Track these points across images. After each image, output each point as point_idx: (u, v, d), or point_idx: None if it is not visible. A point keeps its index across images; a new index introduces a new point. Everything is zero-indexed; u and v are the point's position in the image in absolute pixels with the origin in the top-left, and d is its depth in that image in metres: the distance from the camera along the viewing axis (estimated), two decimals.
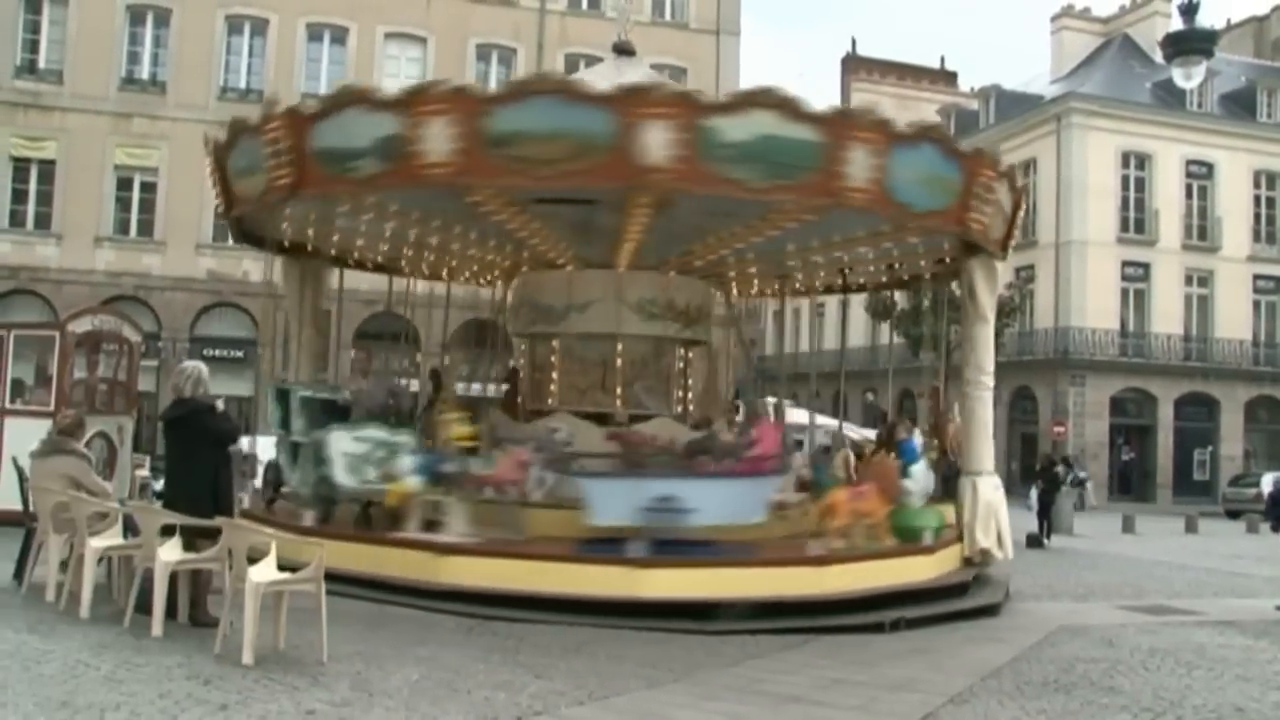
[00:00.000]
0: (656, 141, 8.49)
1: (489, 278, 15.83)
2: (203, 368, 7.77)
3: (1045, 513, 19.49)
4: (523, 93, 8.85)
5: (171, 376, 8.25)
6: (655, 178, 8.70)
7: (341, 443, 10.46)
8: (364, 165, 9.08)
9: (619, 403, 12.51)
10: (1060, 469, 21.95)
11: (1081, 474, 31.24)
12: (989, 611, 10.06)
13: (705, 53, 30.28)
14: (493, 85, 9.14)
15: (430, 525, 9.83)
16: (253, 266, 23.47)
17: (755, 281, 15.65)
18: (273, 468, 11.96)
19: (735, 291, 16.34)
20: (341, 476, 10.36)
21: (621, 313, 12.24)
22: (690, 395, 14.10)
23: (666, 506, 9.08)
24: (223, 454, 7.74)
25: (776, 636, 8.23)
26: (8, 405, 13.11)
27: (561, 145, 8.57)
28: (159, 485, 15.76)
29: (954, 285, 18.07)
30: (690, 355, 14.17)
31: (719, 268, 13.96)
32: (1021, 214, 11.46)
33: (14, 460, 9.83)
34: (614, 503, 9.17)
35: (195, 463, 7.54)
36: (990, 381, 11.45)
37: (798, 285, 15.83)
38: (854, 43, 55.93)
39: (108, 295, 24.78)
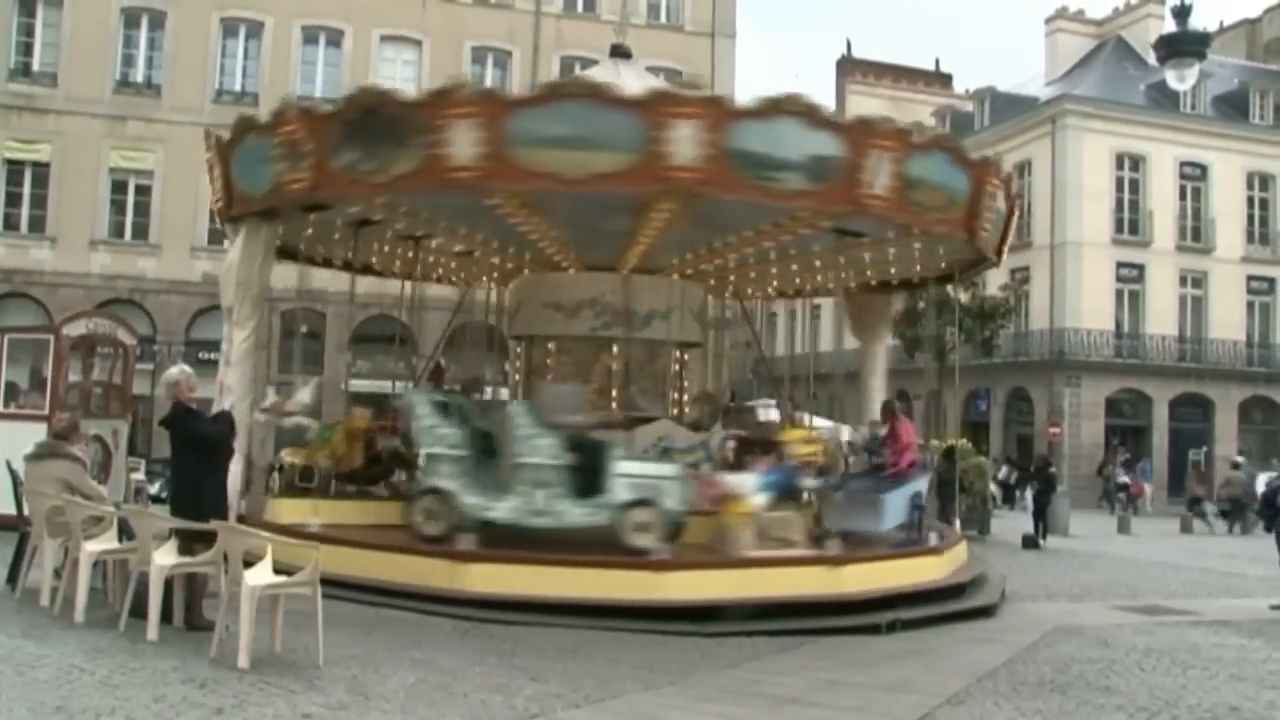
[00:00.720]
0: (988, 206, 10.41)
1: (495, 279, 15.72)
2: (180, 371, 7.65)
3: (1041, 513, 19.52)
4: (932, 146, 9.68)
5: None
6: (981, 234, 10.45)
7: (625, 466, 9.77)
8: (787, 179, 8.87)
9: (614, 405, 12.50)
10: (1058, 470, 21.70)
11: (1123, 478, 29.10)
12: (985, 612, 10.09)
13: (701, 55, 30.26)
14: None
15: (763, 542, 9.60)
16: None
17: (753, 286, 15.68)
18: (432, 494, 9.91)
19: (733, 294, 16.33)
20: (669, 501, 9.57)
21: (693, 322, 13.00)
22: (685, 397, 14.09)
23: (919, 502, 11.30)
24: (206, 457, 7.46)
25: (773, 638, 8.24)
26: (2, 409, 13.08)
27: (941, 196, 9.77)
28: (154, 489, 15.84)
29: (949, 288, 18.18)
30: (686, 357, 14.16)
31: (733, 273, 14.22)
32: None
33: (8, 464, 9.82)
34: (897, 508, 10.95)
35: (179, 465, 7.57)
36: (882, 385, 13.95)
37: (802, 286, 15.80)
38: (849, 45, 56.04)
39: (102, 298, 24.69)
